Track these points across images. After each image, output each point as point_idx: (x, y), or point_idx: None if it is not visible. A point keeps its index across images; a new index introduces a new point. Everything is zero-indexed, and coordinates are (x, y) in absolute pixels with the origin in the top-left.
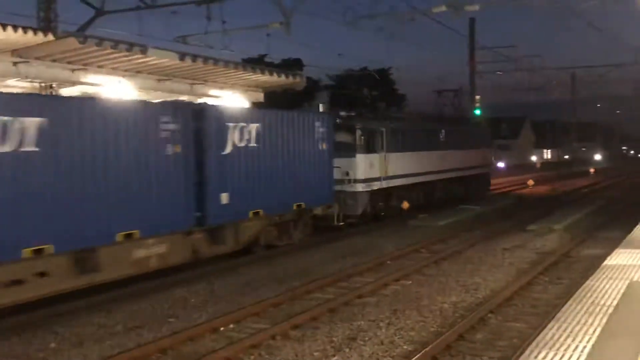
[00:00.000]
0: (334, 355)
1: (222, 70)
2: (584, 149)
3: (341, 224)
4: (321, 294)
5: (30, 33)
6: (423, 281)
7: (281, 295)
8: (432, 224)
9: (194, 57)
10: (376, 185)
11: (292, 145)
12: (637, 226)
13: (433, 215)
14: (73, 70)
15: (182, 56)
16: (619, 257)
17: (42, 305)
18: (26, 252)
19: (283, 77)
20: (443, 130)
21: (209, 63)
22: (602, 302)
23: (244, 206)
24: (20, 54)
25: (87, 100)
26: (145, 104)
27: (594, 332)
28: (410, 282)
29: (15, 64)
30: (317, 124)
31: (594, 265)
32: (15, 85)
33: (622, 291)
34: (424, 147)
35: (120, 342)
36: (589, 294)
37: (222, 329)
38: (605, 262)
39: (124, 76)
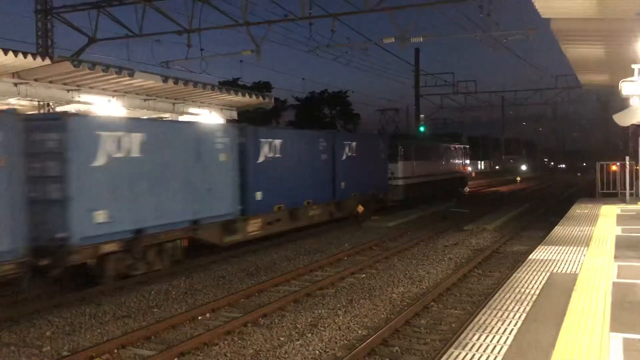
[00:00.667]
0: (297, 340)
1: (200, 91)
2: (511, 160)
3: (390, 204)
4: (287, 286)
5: (30, 57)
6: (375, 274)
7: (251, 287)
8: (384, 225)
9: (176, 80)
10: (409, 181)
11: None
12: (556, 226)
13: (384, 217)
14: (68, 90)
15: (165, 79)
16: (541, 253)
17: (37, 299)
18: (275, 207)
19: (254, 98)
20: (442, 146)
21: (188, 85)
22: (526, 291)
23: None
24: (20, 75)
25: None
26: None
27: (519, 317)
28: (364, 275)
29: (16, 84)
30: (382, 144)
31: (520, 259)
32: (16, 104)
33: (543, 282)
34: (432, 157)
35: (110, 329)
36: (515, 285)
37: (199, 317)
38: (530, 257)
39: (113, 96)
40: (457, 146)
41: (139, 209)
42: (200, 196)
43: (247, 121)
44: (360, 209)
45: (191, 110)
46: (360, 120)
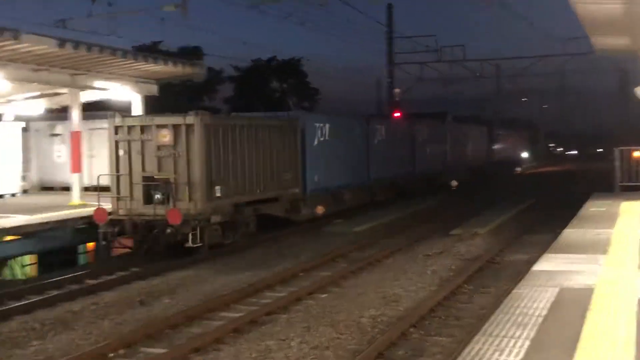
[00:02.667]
0: None
1: (108, 59)
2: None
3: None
4: (225, 311)
5: None
6: (339, 293)
7: (179, 314)
8: (349, 230)
9: (76, 44)
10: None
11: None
12: (566, 228)
13: (350, 221)
14: None
15: (61, 43)
16: (548, 263)
17: (26, 296)
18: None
19: (180, 67)
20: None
21: (93, 51)
22: (530, 311)
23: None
24: None
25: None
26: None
27: (522, 345)
28: (325, 295)
29: None
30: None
31: (521, 271)
32: None
33: (551, 299)
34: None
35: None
36: (516, 304)
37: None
38: (533, 268)
39: None
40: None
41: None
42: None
43: (172, 97)
44: (320, 209)
45: (97, 83)
46: (320, 95)
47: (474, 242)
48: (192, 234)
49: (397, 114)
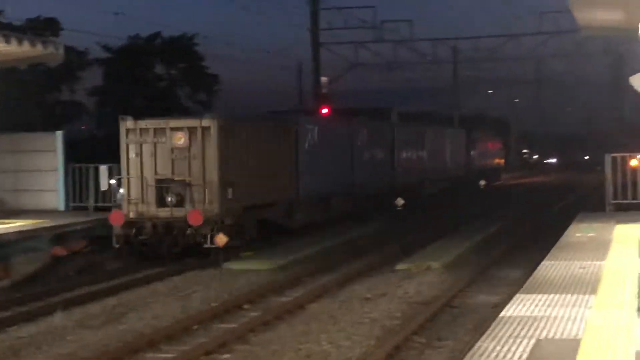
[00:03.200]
0: None
1: None
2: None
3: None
4: None
5: None
6: (248, 353)
7: None
8: (263, 267)
9: None
10: None
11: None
12: (545, 259)
13: (264, 253)
14: None
15: None
16: (521, 306)
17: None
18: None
19: (28, 46)
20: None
21: None
22: None
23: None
24: None
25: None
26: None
27: None
28: (229, 355)
29: None
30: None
31: (486, 318)
32: None
33: (525, 355)
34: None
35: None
36: None
37: None
38: (503, 314)
39: None
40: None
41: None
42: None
43: (16, 86)
44: (222, 239)
45: None
46: (219, 85)
47: (426, 280)
48: (211, 235)
49: (324, 110)
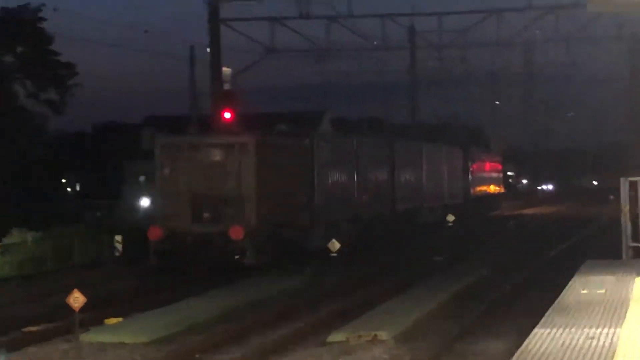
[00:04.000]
0: None
1: None
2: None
3: None
4: None
5: None
6: None
7: None
8: (135, 339)
9: None
10: None
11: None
12: (538, 327)
13: (140, 318)
14: None
15: None
16: None
17: None
18: None
19: None
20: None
21: None
22: None
23: None
24: None
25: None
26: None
27: None
28: None
29: None
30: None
31: None
32: None
33: None
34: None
35: None
36: None
37: None
38: None
39: None
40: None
41: None
42: None
43: None
44: (77, 301)
45: None
46: (76, 79)
47: (370, 357)
48: (250, 250)
49: (226, 114)
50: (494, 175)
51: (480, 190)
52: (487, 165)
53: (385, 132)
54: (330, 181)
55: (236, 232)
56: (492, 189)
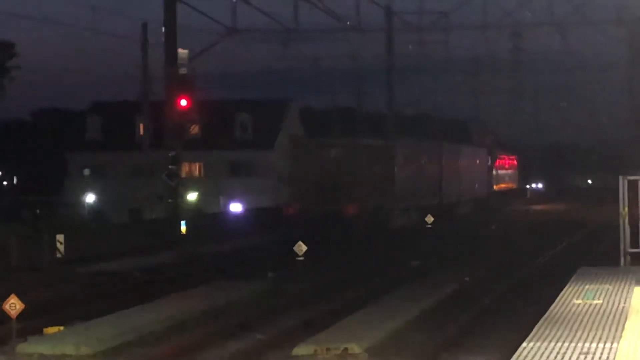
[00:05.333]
0: None
1: None
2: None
3: None
4: None
5: None
6: None
7: None
8: (78, 351)
9: None
10: None
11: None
12: (527, 340)
13: (83, 327)
14: None
15: None
16: None
17: None
18: None
19: None
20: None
21: None
22: None
23: None
24: None
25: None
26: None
27: None
28: None
29: None
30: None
31: None
32: None
33: None
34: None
35: None
36: None
37: None
38: None
39: None
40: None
41: None
42: None
43: None
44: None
45: None
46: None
47: None
48: (357, 224)
49: (182, 101)
50: (511, 172)
51: (500, 186)
52: (507, 163)
53: (434, 135)
54: (404, 176)
55: (351, 209)
56: (509, 184)
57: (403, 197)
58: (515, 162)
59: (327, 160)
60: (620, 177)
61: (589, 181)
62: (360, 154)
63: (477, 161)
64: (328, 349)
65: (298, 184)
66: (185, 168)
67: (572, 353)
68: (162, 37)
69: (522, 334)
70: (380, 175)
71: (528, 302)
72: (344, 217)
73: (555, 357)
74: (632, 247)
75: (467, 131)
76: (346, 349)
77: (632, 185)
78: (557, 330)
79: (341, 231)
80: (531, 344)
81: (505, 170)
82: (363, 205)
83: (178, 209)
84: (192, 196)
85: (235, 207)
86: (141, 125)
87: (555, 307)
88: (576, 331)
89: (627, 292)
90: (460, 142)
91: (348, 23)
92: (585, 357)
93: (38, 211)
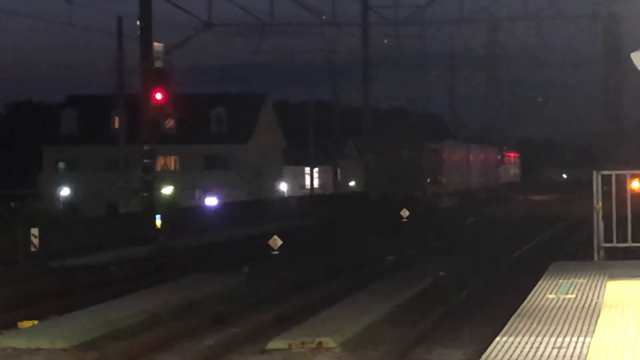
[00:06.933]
0: None
1: None
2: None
3: None
4: None
5: None
6: None
7: None
8: (53, 344)
9: None
10: None
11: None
12: (501, 335)
13: (59, 320)
14: None
15: None
16: None
17: None
18: None
19: None
20: None
21: None
22: None
23: None
24: None
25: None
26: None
27: None
28: None
29: None
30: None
31: None
32: None
33: None
34: None
35: None
36: None
37: None
38: None
39: None
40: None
41: None
42: None
43: None
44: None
45: None
46: None
47: None
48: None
49: (158, 95)
50: (515, 167)
51: (506, 179)
52: (512, 159)
53: (464, 137)
54: (447, 170)
55: (419, 195)
56: (513, 177)
57: (446, 185)
58: (518, 158)
59: (399, 159)
60: (595, 172)
61: (564, 175)
62: (420, 153)
63: (490, 158)
64: (302, 343)
65: (379, 176)
66: (160, 162)
67: (546, 347)
68: (137, 31)
69: (498, 327)
70: (432, 169)
71: (505, 295)
72: (413, 200)
73: (529, 351)
74: (605, 241)
75: (443, 125)
76: (320, 342)
77: (606, 179)
78: (531, 324)
79: (414, 210)
80: (504, 338)
81: (511, 165)
82: (423, 191)
83: (153, 203)
84: (167, 190)
85: (211, 201)
86: (116, 119)
87: (529, 301)
88: (550, 325)
89: (601, 286)
90: (467, 141)
91: (324, 17)
92: (559, 351)
93: (12, 204)
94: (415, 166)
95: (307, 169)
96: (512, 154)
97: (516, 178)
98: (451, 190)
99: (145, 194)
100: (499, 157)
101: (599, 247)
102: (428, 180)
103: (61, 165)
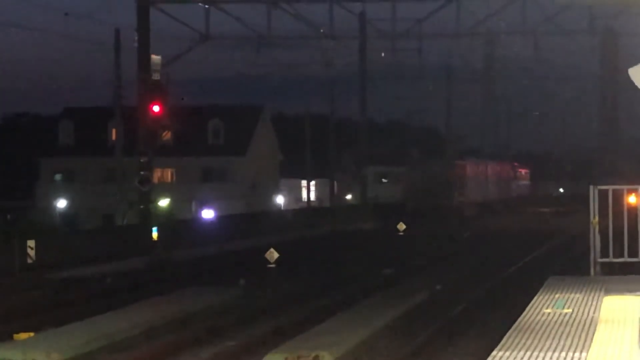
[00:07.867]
0: None
1: None
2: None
3: None
4: None
5: None
6: None
7: None
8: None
9: None
10: None
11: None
12: (496, 349)
13: (56, 333)
14: None
15: None
16: None
17: None
18: None
19: None
20: None
21: None
22: None
23: None
24: None
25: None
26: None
27: None
28: None
29: None
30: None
31: None
32: None
33: None
34: None
35: None
36: None
37: None
38: None
39: None
40: None
41: None
42: None
43: None
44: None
45: None
46: None
47: None
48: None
49: (155, 107)
50: (525, 181)
51: (517, 192)
52: (523, 174)
53: (482, 154)
54: (470, 183)
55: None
56: (524, 190)
57: (469, 196)
58: (528, 174)
59: (430, 174)
60: (591, 187)
61: (561, 190)
62: (447, 168)
63: (504, 173)
64: (298, 357)
65: (412, 189)
66: (157, 174)
67: None
68: (135, 43)
69: (493, 343)
70: (459, 182)
71: (500, 310)
72: (442, 209)
73: None
74: (601, 257)
75: (439, 139)
76: (317, 356)
77: (602, 194)
78: (527, 339)
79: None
80: (500, 353)
81: (522, 179)
82: (451, 201)
83: (150, 215)
84: (164, 202)
85: (208, 213)
86: (113, 131)
87: (525, 316)
88: (546, 340)
89: (597, 301)
90: (478, 155)
91: (321, 30)
92: None
93: (9, 216)
94: (445, 179)
95: (304, 182)
96: (523, 170)
97: (526, 191)
98: (473, 200)
99: (142, 206)
100: (512, 172)
101: (595, 262)
102: (455, 192)
103: (58, 177)
